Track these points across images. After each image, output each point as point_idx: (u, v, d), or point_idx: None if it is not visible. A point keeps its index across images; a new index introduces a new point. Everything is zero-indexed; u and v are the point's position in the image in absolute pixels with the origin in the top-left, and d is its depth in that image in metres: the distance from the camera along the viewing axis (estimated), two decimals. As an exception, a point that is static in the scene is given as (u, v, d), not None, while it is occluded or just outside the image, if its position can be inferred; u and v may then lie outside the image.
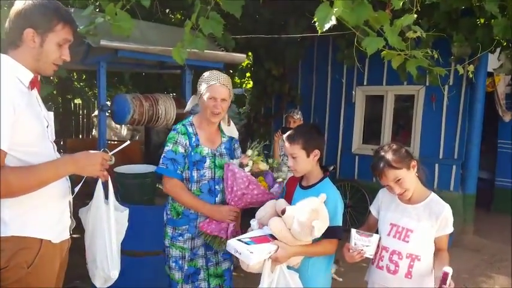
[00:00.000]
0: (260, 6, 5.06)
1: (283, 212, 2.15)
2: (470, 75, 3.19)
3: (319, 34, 2.23)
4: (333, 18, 2.15)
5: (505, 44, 4.59)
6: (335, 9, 2.15)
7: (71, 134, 11.78)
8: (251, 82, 9.04)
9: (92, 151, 1.81)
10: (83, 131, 12.70)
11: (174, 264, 2.59)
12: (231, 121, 2.74)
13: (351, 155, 6.69)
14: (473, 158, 5.73)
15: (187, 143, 2.54)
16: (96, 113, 11.84)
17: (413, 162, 2.15)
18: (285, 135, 2.39)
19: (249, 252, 2.01)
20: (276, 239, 2.14)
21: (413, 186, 2.15)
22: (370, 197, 6.10)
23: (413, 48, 2.40)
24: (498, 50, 4.78)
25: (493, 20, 4.24)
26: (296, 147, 2.27)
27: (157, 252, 3.23)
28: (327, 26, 2.19)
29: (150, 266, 3.20)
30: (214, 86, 2.49)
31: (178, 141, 2.53)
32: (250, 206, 2.53)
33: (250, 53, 7.32)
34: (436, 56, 2.29)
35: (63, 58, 1.80)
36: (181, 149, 2.52)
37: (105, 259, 1.91)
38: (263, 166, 2.54)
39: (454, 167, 5.78)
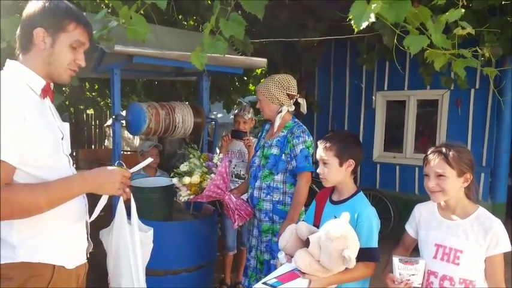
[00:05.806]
0: (278, 8, 4.88)
1: (307, 243, 1.94)
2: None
3: (355, 34, 2.02)
4: (372, 15, 1.94)
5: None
6: (373, 5, 1.95)
7: (83, 145, 11.70)
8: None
9: (109, 167, 1.64)
10: (96, 142, 12.64)
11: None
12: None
13: (372, 163, 6.43)
14: (503, 165, 5.48)
15: (260, 136, 3.14)
16: (108, 123, 11.76)
17: (469, 176, 1.92)
18: (319, 140, 2.21)
19: None
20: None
21: (451, 195, 1.93)
22: (393, 207, 5.86)
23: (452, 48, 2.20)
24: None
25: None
26: (329, 153, 2.13)
27: (177, 271, 3.04)
28: (364, 25, 1.98)
29: (171, 286, 2.99)
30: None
31: (259, 135, 3.20)
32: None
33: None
34: (487, 54, 2.07)
35: (78, 63, 1.64)
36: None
37: (131, 284, 1.76)
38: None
39: (483, 174, 5.49)
